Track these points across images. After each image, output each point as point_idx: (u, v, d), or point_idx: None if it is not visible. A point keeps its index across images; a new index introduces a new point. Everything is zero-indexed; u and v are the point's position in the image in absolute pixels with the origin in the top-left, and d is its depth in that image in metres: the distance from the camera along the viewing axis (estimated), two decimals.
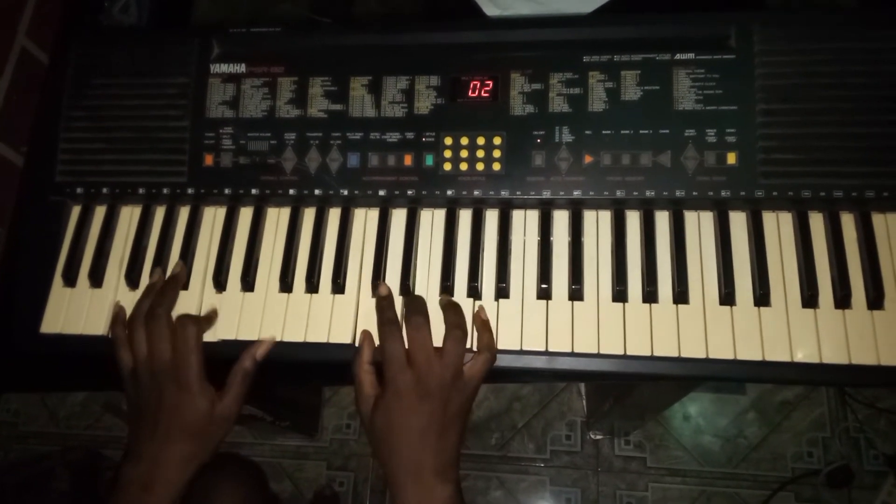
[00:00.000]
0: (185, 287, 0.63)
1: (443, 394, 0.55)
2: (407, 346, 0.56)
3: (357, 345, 0.59)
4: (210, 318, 0.61)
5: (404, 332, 0.57)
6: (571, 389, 1.55)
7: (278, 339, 0.60)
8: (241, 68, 0.66)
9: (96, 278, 0.64)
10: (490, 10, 0.76)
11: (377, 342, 0.58)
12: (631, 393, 1.14)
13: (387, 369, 0.56)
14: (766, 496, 1.44)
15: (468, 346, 0.57)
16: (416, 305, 0.58)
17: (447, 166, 0.62)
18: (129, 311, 0.62)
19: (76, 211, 0.67)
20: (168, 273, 0.63)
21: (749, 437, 1.49)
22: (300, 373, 0.73)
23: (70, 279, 0.64)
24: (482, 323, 0.58)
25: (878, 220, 0.58)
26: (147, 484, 0.56)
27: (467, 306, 0.59)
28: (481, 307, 0.59)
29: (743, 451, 1.48)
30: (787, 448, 1.47)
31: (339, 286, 0.61)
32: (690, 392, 1.40)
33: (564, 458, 1.51)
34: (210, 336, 0.60)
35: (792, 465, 1.46)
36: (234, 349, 0.60)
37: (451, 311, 0.58)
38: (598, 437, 1.51)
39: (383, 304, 0.59)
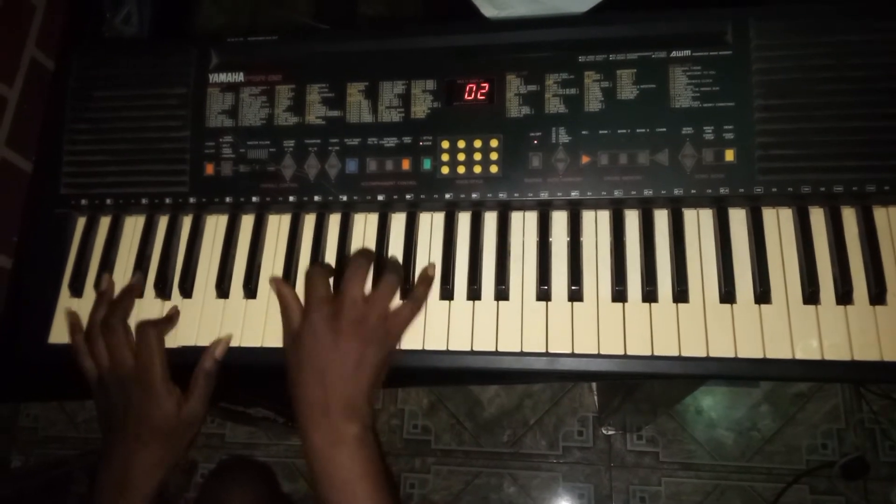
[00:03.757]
0: (189, 296, 0.64)
1: (360, 333, 0.55)
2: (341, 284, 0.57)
3: (277, 294, 0.60)
4: (171, 319, 0.62)
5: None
6: (583, 385, 1.55)
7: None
8: (239, 77, 0.66)
9: None
10: (488, 11, 0.76)
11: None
12: (641, 388, 1.14)
13: (306, 303, 0.57)
14: (781, 489, 1.43)
15: None
16: (363, 252, 0.60)
17: (445, 170, 0.62)
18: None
19: (81, 222, 0.68)
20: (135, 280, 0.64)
21: (763, 430, 1.48)
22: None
23: (77, 290, 0.65)
24: (423, 277, 0.60)
25: (879, 214, 0.58)
26: (121, 487, 0.57)
27: (467, 308, 0.60)
28: (432, 264, 0.61)
29: (756, 443, 1.47)
30: (801, 440, 1.46)
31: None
32: (701, 386, 1.40)
33: (577, 454, 1.51)
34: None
35: (806, 457, 1.45)
36: (237, 357, 0.61)
37: (392, 263, 0.60)
38: (611, 432, 1.51)
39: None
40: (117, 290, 0.64)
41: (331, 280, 0.60)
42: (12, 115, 0.81)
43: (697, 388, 1.40)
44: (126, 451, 0.57)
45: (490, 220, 0.62)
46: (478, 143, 0.62)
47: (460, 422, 1.56)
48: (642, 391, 1.17)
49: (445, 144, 0.62)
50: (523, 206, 0.62)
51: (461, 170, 0.62)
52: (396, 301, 0.58)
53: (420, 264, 0.62)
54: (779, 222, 0.59)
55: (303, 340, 0.56)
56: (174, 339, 0.62)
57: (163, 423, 0.57)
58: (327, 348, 0.54)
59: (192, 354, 0.61)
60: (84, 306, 0.65)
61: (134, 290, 0.63)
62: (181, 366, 0.60)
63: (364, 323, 0.55)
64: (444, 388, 1.58)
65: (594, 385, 1.54)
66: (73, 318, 0.63)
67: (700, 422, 1.50)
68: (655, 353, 0.56)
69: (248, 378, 0.74)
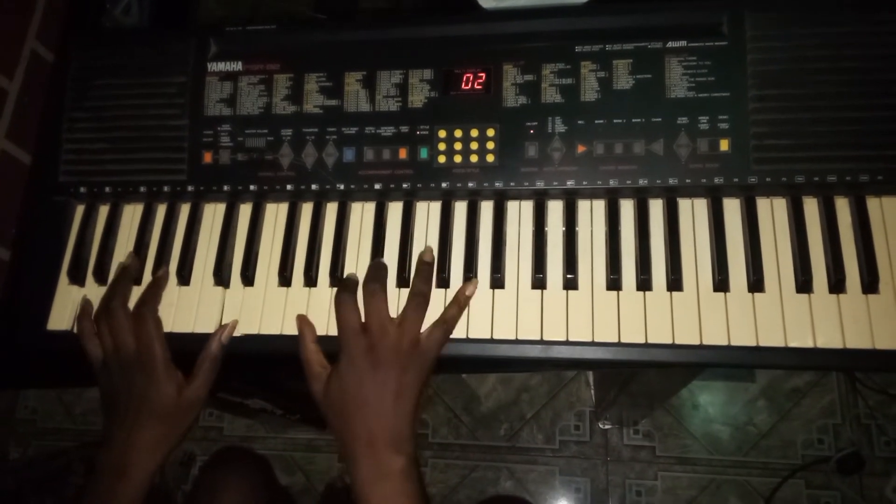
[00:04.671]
0: (187, 283, 0.64)
1: (397, 361, 0.55)
2: (363, 315, 0.57)
3: (298, 331, 0.60)
4: (158, 284, 0.63)
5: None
6: (579, 380, 1.56)
7: (279, 332, 0.61)
8: (237, 66, 0.67)
9: (101, 275, 0.65)
10: (486, 2, 0.76)
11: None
12: (637, 380, 1.15)
13: (340, 337, 0.57)
14: (777, 484, 1.43)
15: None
16: (373, 272, 0.59)
17: (441, 159, 0.62)
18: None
19: (80, 210, 0.68)
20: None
21: (759, 425, 1.48)
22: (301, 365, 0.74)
23: (75, 277, 0.65)
24: (457, 298, 0.59)
25: (872, 203, 0.58)
26: (120, 469, 0.57)
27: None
28: (468, 284, 0.59)
29: (753, 438, 1.48)
30: (797, 435, 1.47)
31: (336, 280, 0.62)
32: (696, 378, 1.40)
33: (573, 448, 1.51)
34: (208, 331, 0.62)
35: (802, 452, 1.46)
36: (234, 344, 0.61)
37: (419, 276, 0.59)
38: (607, 426, 1.51)
39: (346, 279, 0.61)
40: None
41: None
42: (12, 108, 0.81)
43: (692, 380, 1.40)
44: (126, 433, 0.58)
45: (486, 209, 0.63)
46: (474, 133, 0.62)
47: (457, 415, 1.57)
48: (638, 383, 1.18)
49: (442, 134, 0.63)
50: (519, 196, 0.62)
51: (458, 159, 0.62)
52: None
53: (416, 253, 0.62)
54: (773, 212, 0.59)
55: (342, 375, 0.56)
56: (172, 325, 0.62)
57: (163, 405, 0.58)
58: (368, 381, 0.55)
59: (189, 341, 0.61)
60: (82, 294, 0.65)
61: (130, 272, 0.63)
62: (179, 351, 0.60)
63: (399, 350, 0.55)
64: (442, 382, 1.59)
65: (591, 379, 1.55)
66: (84, 304, 0.64)
67: (696, 416, 1.51)
68: (649, 341, 0.56)
69: (245, 366, 0.74)
